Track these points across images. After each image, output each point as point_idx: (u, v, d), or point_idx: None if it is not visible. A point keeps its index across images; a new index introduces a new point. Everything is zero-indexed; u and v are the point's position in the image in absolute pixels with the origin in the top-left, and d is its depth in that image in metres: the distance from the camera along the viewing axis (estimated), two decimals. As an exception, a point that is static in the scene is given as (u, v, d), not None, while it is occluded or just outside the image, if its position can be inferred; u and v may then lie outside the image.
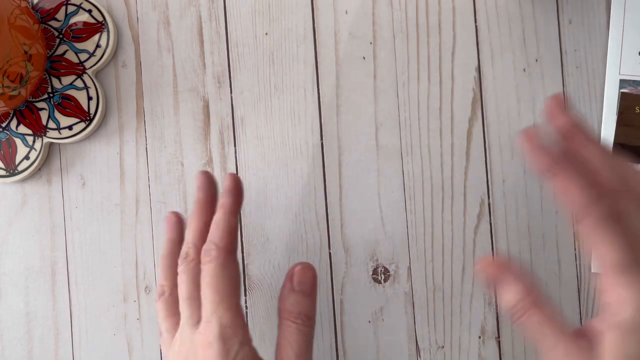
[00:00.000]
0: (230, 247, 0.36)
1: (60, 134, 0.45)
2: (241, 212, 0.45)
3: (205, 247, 0.36)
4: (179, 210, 0.45)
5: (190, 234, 0.38)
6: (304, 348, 0.35)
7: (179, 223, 0.41)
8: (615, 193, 0.30)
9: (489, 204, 0.44)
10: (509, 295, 0.30)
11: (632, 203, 0.29)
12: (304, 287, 0.36)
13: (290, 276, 0.37)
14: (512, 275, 0.31)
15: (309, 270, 0.37)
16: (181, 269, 0.36)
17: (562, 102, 0.32)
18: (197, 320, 0.35)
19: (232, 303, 0.35)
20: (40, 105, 0.45)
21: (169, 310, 0.37)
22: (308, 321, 0.36)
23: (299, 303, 0.36)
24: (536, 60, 0.44)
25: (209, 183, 0.40)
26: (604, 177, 0.30)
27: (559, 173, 0.30)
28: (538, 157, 0.30)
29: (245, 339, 0.34)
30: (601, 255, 0.28)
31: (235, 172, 0.45)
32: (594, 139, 0.32)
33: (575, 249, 0.44)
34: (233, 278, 0.36)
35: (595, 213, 0.28)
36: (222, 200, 0.38)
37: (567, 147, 0.32)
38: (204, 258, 0.36)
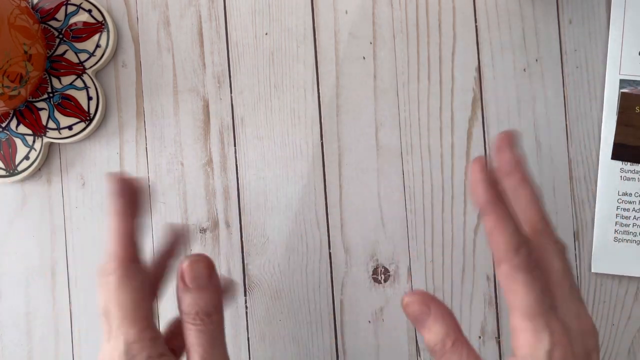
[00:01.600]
0: (129, 255, 0.34)
1: (60, 134, 0.45)
2: (241, 212, 0.45)
3: (105, 261, 0.34)
4: (178, 210, 0.45)
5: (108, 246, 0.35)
6: (210, 348, 0.33)
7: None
8: (536, 238, 0.32)
9: (489, 204, 0.44)
10: (430, 334, 0.31)
11: (550, 246, 0.32)
12: (199, 282, 0.34)
13: (180, 275, 0.34)
14: (434, 314, 0.32)
15: (199, 262, 0.34)
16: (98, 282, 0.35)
17: (512, 139, 0.34)
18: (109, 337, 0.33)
19: (137, 316, 0.33)
20: (40, 105, 0.45)
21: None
22: (209, 318, 0.33)
23: (195, 302, 0.33)
24: (536, 60, 0.44)
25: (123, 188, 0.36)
26: (530, 218, 0.33)
27: (490, 213, 0.31)
28: (478, 191, 0.31)
29: (154, 353, 0.32)
30: (512, 301, 0.30)
31: (235, 172, 0.45)
32: (529, 181, 0.34)
33: (575, 249, 0.44)
34: (137, 289, 0.34)
35: (513, 262, 0.30)
36: (111, 205, 0.35)
37: (504, 184, 0.33)
38: (103, 272, 0.34)
